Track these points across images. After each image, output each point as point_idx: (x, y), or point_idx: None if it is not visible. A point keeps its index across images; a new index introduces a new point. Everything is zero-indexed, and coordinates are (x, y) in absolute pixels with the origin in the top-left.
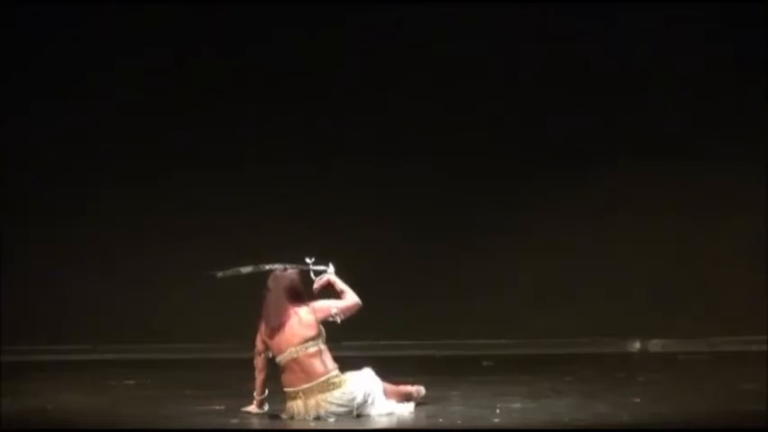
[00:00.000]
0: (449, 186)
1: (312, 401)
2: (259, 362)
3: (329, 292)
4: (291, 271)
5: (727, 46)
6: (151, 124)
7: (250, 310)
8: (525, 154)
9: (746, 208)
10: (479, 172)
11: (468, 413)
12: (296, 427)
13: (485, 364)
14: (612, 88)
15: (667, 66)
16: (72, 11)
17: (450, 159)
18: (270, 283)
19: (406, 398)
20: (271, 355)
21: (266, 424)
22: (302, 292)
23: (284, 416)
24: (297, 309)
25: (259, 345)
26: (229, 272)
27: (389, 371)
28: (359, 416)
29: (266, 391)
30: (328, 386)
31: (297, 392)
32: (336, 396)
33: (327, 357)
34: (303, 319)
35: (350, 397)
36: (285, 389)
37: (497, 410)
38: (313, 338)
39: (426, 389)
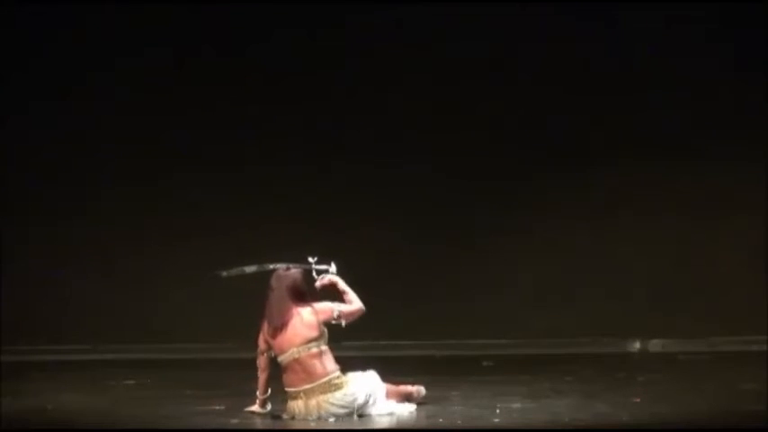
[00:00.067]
0: (449, 186)
1: (313, 402)
2: (261, 361)
3: (332, 293)
4: (294, 270)
5: (727, 46)
6: (151, 124)
7: (250, 310)
8: (525, 154)
9: (746, 208)
10: (479, 172)
11: (468, 413)
12: (296, 427)
13: (485, 364)
14: (612, 88)
15: (667, 66)
16: (72, 11)
17: (450, 159)
18: (273, 282)
19: (407, 398)
20: (273, 355)
21: (267, 424)
22: (305, 292)
23: (285, 416)
24: (299, 309)
25: (261, 344)
26: (234, 271)
27: (389, 371)
28: (360, 416)
29: (269, 391)
30: (330, 387)
31: (298, 393)
32: (338, 397)
33: (329, 358)
34: (305, 319)
35: (351, 398)
36: (286, 389)
37: (497, 410)
38: (315, 339)
39: (426, 389)
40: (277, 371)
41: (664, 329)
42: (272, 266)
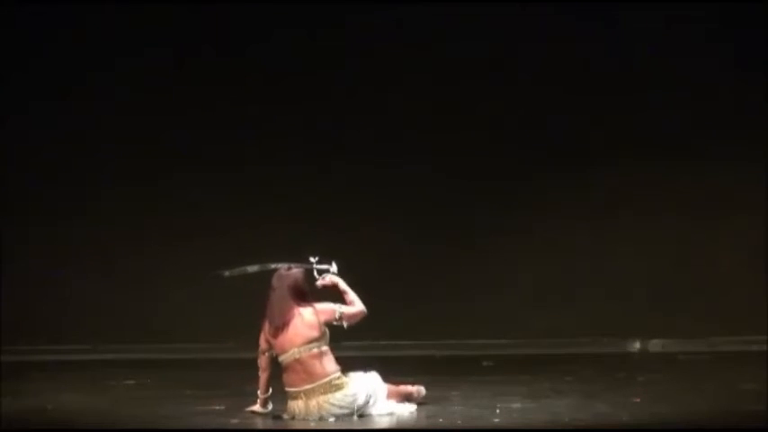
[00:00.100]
0: (449, 186)
1: (313, 402)
2: (263, 361)
3: (334, 293)
4: (296, 270)
5: (727, 46)
6: (151, 124)
7: (250, 310)
8: (525, 154)
9: (746, 208)
10: (479, 172)
11: (468, 413)
12: (296, 427)
13: (485, 364)
14: (612, 88)
15: (667, 66)
16: (72, 11)
17: (450, 159)
18: (274, 281)
19: (407, 398)
20: (274, 355)
21: (267, 424)
22: (307, 292)
23: (286, 416)
24: (301, 309)
25: (263, 343)
26: (236, 271)
27: (389, 371)
28: (360, 416)
29: (270, 390)
30: (330, 388)
31: (298, 393)
32: (338, 398)
33: (330, 359)
34: (306, 319)
35: (351, 399)
36: (287, 389)
37: (497, 410)
38: (316, 340)
39: (426, 389)
40: (278, 370)
41: (664, 329)
42: (273, 266)
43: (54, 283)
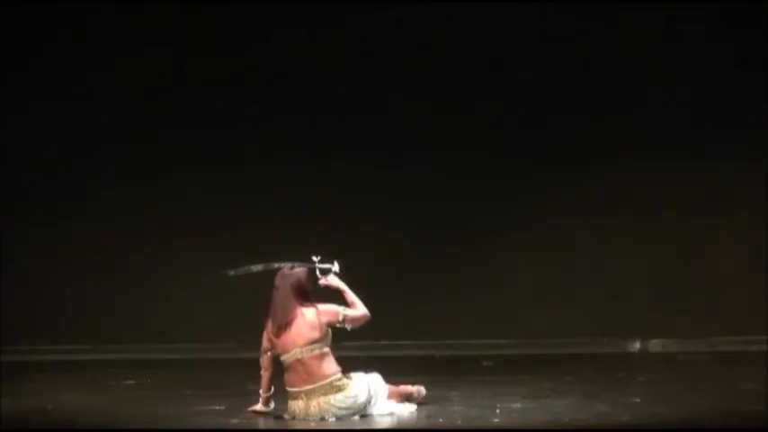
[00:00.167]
0: (449, 186)
1: (314, 403)
2: (265, 360)
3: (338, 296)
4: (299, 269)
5: (727, 46)
6: (151, 124)
7: (250, 310)
8: (525, 154)
9: (746, 208)
10: (479, 172)
11: (468, 413)
12: (297, 427)
13: (485, 364)
14: (612, 88)
15: (667, 66)
16: (72, 11)
17: (450, 159)
18: (277, 281)
19: (407, 398)
20: (276, 354)
21: (267, 424)
22: (310, 291)
23: (286, 416)
24: (304, 309)
25: (265, 343)
26: (241, 270)
27: (389, 371)
28: (361, 416)
29: (272, 389)
30: (331, 389)
31: (299, 393)
32: (339, 399)
33: (331, 360)
34: (309, 320)
35: (352, 401)
36: (288, 388)
37: (497, 410)
38: (318, 341)
39: (426, 389)
40: (280, 370)
41: (664, 329)
42: (277, 265)
43: (54, 283)
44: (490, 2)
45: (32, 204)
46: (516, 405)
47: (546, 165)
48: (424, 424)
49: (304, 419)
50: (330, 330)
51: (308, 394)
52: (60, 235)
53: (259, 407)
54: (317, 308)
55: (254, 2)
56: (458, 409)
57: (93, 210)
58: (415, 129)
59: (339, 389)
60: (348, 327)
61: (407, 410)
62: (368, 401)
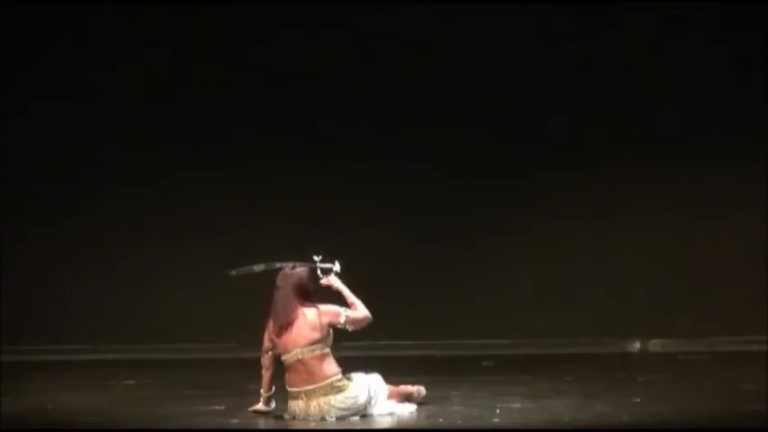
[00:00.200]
0: (449, 186)
1: (314, 403)
2: (266, 360)
3: (339, 298)
4: (300, 269)
5: (727, 46)
6: (151, 124)
7: (250, 310)
8: (525, 154)
9: (746, 208)
10: (479, 172)
11: (468, 413)
12: (297, 427)
13: (485, 364)
14: (612, 88)
15: (667, 66)
16: (72, 11)
17: (450, 159)
18: (279, 280)
19: (407, 398)
20: (277, 353)
21: (268, 424)
22: (311, 291)
23: (286, 416)
24: (305, 309)
25: (267, 342)
26: (243, 269)
27: (389, 371)
28: (362, 416)
29: (273, 388)
30: (331, 390)
31: (299, 393)
32: (339, 400)
33: (332, 361)
34: (310, 320)
35: (352, 401)
36: (288, 388)
37: (497, 410)
38: (318, 341)
39: (426, 389)
40: (281, 369)
41: (664, 329)
42: (279, 265)
43: (54, 283)
44: (490, 2)
45: (32, 204)
46: (516, 405)
47: (546, 165)
48: (424, 424)
49: (304, 419)
50: (331, 331)
51: (309, 394)
52: (60, 235)
53: (260, 406)
54: (318, 308)
55: (254, 2)
56: (458, 409)
57: (93, 210)
58: (415, 129)
59: (339, 389)
60: (349, 328)
61: (407, 410)
62: (368, 402)
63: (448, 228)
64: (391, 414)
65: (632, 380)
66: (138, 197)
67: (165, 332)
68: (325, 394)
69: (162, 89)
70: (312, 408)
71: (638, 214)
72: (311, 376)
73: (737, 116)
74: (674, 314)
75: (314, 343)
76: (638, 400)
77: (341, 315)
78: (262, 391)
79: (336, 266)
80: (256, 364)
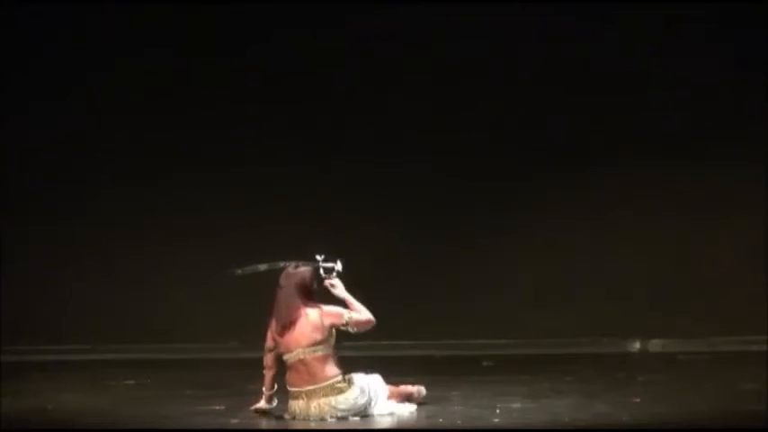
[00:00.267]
0: (449, 186)
1: (314, 403)
2: (268, 359)
3: (343, 305)
4: (303, 268)
5: (727, 46)
6: (151, 124)
7: (250, 310)
8: (525, 154)
9: (746, 208)
10: (479, 172)
11: (468, 413)
12: (297, 426)
13: (485, 364)
14: (612, 88)
15: (667, 66)
16: (72, 11)
17: (450, 159)
18: (282, 280)
19: (407, 398)
20: (279, 353)
21: (268, 424)
22: (314, 291)
23: (287, 416)
24: (308, 310)
25: (269, 342)
26: (248, 269)
27: (389, 371)
28: (362, 416)
29: (275, 387)
30: (332, 391)
31: (300, 393)
32: (339, 400)
33: (333, 362)
34: (312, 320)
35: (352, 403)
36: (289, 388)
37: (497, 410)
38: (320, 342)
39: (426, 389)
40: (283, 369)
41: (664, 329)
42: (282, 264)
43: (54, 283)
44: (490, 2)
45: (32, 204)
46: (516, 405)
47: (546, 165)
48: (424, 424)
49: (304, 419)
50: (334, 332)
51: (309, 395)
52: (60, 235)
53: (262, 404)
54: (321, 309)
55: (254, 2)
56: (458, 409)
57: (93, 210)
58: (415, 129)
59: (340, 391)
60: (352, 330)
61: (407, 410)
62: (368, 403)
63: (448, 228)
64: (391, 414)
65: (632, 380)
66: (138, 197)
67: (165, 332)
68: (326, 395)
69: (162, 89)
70: (312, 408)
71: (638, 214)
72: (312, 377)
73: (737, 116)
74: (674, 314)
75: (316, 344)
76: (638, 400)
77: (344, 316)
78: (264, 389)
79: (339, 266)
80: (256, 364)
